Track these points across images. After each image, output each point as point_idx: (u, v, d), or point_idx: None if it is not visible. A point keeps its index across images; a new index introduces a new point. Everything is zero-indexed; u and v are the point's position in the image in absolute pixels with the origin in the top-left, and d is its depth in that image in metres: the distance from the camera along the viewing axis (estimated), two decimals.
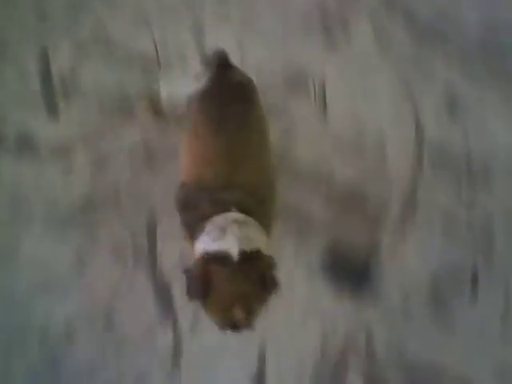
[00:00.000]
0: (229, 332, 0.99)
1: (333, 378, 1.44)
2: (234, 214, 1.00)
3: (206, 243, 1.01)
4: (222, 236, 0.97)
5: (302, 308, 1.51)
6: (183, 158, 1.19)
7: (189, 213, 1.10)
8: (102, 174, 1.62)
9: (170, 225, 1.52)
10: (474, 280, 1.54)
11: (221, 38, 1.68)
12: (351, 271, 1.52)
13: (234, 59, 1.31)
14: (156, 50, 1.71)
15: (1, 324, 1.47)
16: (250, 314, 0.95)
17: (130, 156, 1.64)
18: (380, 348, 1.46)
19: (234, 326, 0.96)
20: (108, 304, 1.49)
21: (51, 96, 1.69)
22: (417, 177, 1.65)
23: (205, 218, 1.04)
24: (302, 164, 1.62)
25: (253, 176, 1.07)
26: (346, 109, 1.69)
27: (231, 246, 0.95)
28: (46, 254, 1.54)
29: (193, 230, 1.05)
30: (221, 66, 1.21)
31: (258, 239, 1.00)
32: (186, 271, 0.97)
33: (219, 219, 1.00)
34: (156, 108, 1.58)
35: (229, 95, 1.17)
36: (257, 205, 1.04)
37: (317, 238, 1.56)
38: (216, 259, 0.95)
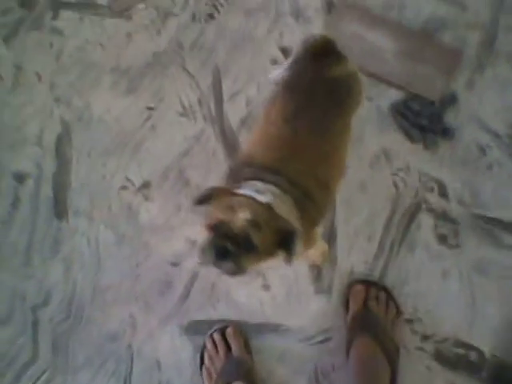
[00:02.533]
0: (206, 259, 0.89)
1: (404, 218, 1.48)
2: (274, 188, 0.94)
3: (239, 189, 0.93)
4: (255, 194, 0.90)
5: (373, 155, 1.52)
6: (252, 133, 1.15)
7: (230, 183, 1.05)
8: (165, 31, 1.66)
9: (235, 82, 1.55)
10: None
11: None
12: (425, 113, 1.44)
13: None
14: None
15: (82, 187, 1.57)
16: (252, 230, 0.85)
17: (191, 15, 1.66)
18: (453, 194, 1.49)
19: (222, 242, 0.86)
20: (179, 162, 1.56)
21: None
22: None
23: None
24: None
25: (304, 177, 1.01)
26: None
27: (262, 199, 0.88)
28: (116, 112, 1.62)
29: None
30: (316, 55, 1.10)
31: (290, 217, 0.92)
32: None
33: (259, 184, 0.95)
34: None
35: (319, 91, 1.07)
36: (299, 197, 0.97)
37: (386, 82, 1.55)
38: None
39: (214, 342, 1.37)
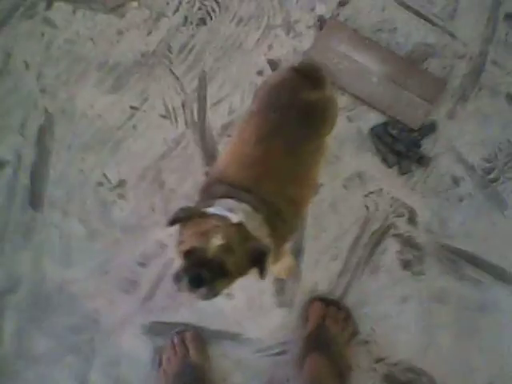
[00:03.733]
0: (181, 286, 0.93)
1: (371, 240, 1.54)
2: (246, 206, 0.97)
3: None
4: (227, 212, 0.93)
5: (348, 175, 1.58)
6: (225, 149, 1.20)
7: (202, 199, 1.10)
8: (156, 32, 1.70)
9: (220, 89, 1.60)
10: None
11: None
12: (404, 139, 1.49)
13: None
14: None
15: (59, 179, 1.63)
16: (225, 254, 0.88)
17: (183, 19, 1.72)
18: (422, 222, 1.54)
19: (196, 270, 0.89)
20: (157, 163, 1.62)
21: None
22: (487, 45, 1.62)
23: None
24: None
25: (276, 196, 1.04)
26: None
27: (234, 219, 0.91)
28: (99, 108, 1.67)
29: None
30: (304, 72, 1.15)
31: (261, 234, 0.96)
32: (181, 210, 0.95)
33: (231, 202, 0.98)
34: None
35: (296, 110, 1.10)
36: (270, 215, 1.01)
37: (368, 105, 1.61)
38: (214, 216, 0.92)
39: (173, 345, 1.41)
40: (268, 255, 0.93)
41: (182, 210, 0.97)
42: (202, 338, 1.46)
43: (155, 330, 1.45)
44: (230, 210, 0.97)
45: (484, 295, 1.40)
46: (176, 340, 1.43)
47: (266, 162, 1.09)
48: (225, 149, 1.20)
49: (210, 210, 0.98)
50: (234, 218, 0.95)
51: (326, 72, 1.19)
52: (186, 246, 0.92)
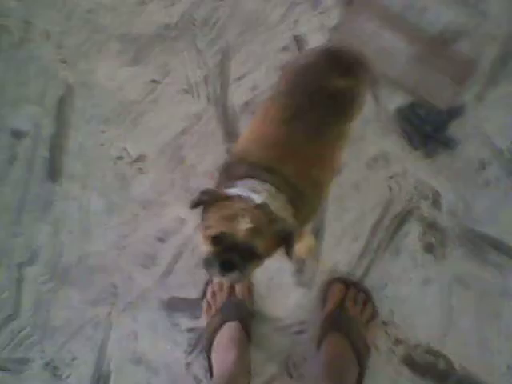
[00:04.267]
0: (212, 271, 0.92)
1: (393, 222, 1.52)
2: (269, 187, 0.96)
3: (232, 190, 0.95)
4: (251, 193, 0.92)
5: (372, 156, 1.55)
6: (247, 127, 1.16)
7: (224, 179, 1.08)
8: (179, 3, 1.68)
9: (243, 64, 1.57)
10: None
11: None
12: (431, 121, 1.46)
13: None
14: None
15: (79, 151, 1.62)
16: (254, 238, 0.87)
17: None
18: (446, 205, 1.52)
19: (227, 255, 0.89)
20: (178, 139, 1.61)
21: None
22: None
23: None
24: None
25: (299, 177, 1.02)
26: None
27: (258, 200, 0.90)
28: (120, 80, 1.65)
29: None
30: (336, 57, 1.13)
31: (285, 215, 0.95)
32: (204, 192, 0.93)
33: (253, 182, 0.96)
34: None
35: (323, 95, 1.08)
36: (293, 196, 0.99)
37: (396, 85, 1.57)
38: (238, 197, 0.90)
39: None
40: (294, 235, 0.93)
41: (204, 193, 0.95)
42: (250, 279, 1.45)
43: (173, 305, 1.46)
44: (253, 191, 0.96)
45: (506, 280, 1.40)
46: None
47: (289, 144, 1.07)
48: (247, 127, 1.17)
49: (233, 191, 0.97)
50: (258, 198, 0.94)
51: (359, 58, 1.18)
52: (213, 232, 0.91)
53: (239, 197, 0.94)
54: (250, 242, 0.89)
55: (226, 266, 0.88)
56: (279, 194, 1.00)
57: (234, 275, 0.90)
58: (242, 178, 1.01)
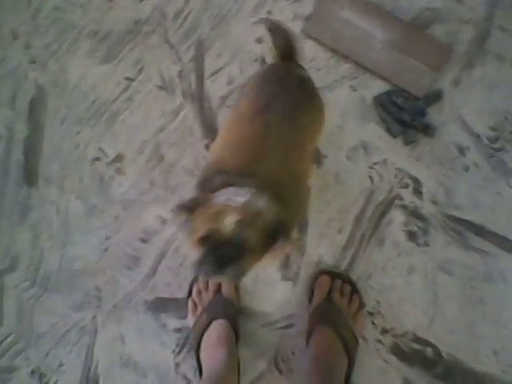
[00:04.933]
0: (206, 271, 0.90)
1: (376, 212, 1.52)
2: (249, 189, 0.92)
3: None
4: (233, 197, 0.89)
5: (352, 146, 1.54)
6: (217, 138, 1.14)
7: (201, 192, 1.04)
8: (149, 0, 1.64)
9: (218, 58, 1.55)
10: None
11: None
12: (408, 108, 1.45)
13: None
14: None
15: (54, 154, 1.58)
16: (243, 230, 0.86)
17: None
18: (427, 192, 1.52)
19: (219, 251, 0.88)
20: (155, 137, 1.58)
21: None
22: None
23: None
24: None
25: (279, 174, 1.00)
26: None
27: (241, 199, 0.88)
28: (93, 79, 1.62)
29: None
30: (286, 55, 1.17)
31: (271, 211, 0.94)
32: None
33: (232, 190, 0.93)
34: None
35: (289, 84, 1.10)
36: (276, 194, 0.95)
37: (372, 73, 1.57)
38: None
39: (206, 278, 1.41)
40: (284, 224, 0.92)
41: (191, 199, 0.94)
42: None
43: (158, 306, 1.45)
44: (233, 196, 0.93)
45: (490, 266, 1.41)
46: None
47: (265, 136, 1.05)
48: (218, 137, 1.16)
49: (215, 199, 0.93)
50: (240, 199, 0.91)
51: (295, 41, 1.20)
52: (200, 233, 0.90)
53: (222, 201, 0.92)
54: (240, 235, 0.88)
55: (221, 262, 0.87)
56: (261, 194, 0.96)
57: (231, 270, 0.89)
58: (219, 188, 0.97)
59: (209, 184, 1.02)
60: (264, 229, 0.91)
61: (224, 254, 0.89)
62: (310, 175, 1.19)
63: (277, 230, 0.92)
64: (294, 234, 1.39)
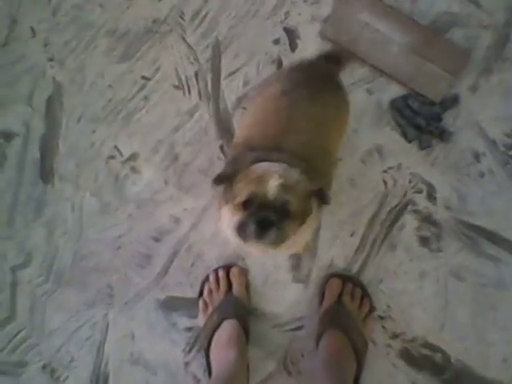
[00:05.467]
0: (247, 235, 0.92)
1: (389, 216, 1.52)
2: (281, 164, 0.95)
3: None
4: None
5: (366, 150, 1.54)
6: (244, 116, 1.16)
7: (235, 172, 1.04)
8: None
9: (235, 59, 1.57)
10: None
11: None
12: (424, 113, 1.45)
13: None
14: None
15: (70, 152, 1.61)
16: (286, 194, 0.89)
17: None
18: (441, 198, 1.53)
19: (262, 213, 0.89)
20: (171, 136, 1.60)
21: None
22: None
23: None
24: None
25: (306, 144, 1.03)
26: None
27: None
28: (110, 77, 1.64)
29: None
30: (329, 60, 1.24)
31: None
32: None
33: (264, 165, 0.95)
34: None
35: (317, 69, 1.17)
36: (306, 168, 0.98)
37: (389, 77, 1.58)
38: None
39: (216, 277, 1.46)
40: (324, 191, 0.95)
41: (227, 166, 0.97)
42: (247, 275, 1.49)
43: (169, 304, 1.46)
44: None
45: (502, 272, 1.41)
46: (221, 273, 1.46)
47: (290, 113, 1.08)
48: (244, 117, 1.20)
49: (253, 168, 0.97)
50: (278, 168, 0.95)
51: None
52: (242, 197, 0.92)
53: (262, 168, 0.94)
54: (283, 198, 0.90)
55: (263, 225, 0.88)
56: (292, 169, 0.98)
57: (272, 234, 0.89)
58: (251, 165, 0.99)
59: (240, 161, 1.03)
60: (304, 194, 0.95)
61: (266, 217, 0.90)
62: (337, 150, 1.25)
63: (319, 193, 0.96)
64: (307, 235, 1.40)
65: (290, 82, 1.11)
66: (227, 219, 0.98)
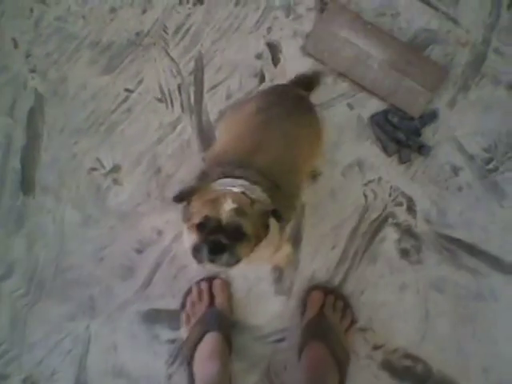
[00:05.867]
0: (200, 257, 0.93)
1: (369, 229, 1.55)
2: (243, 181, 0.98)
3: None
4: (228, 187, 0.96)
5: (347, 163, 1.58)
6: (219, 132, 1.23)
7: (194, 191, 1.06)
8: (151, 11, 1.67)
9: (217, 72, 1.60)
10: None
11: None
12: (404, 127, 1.48)
13: None
14: None
15: (51, 163, 1.60)
16: (239, 217, 0.90)
17: None
18: (420, 211, 1.56)
19: (214, 237, 0.91)
20: (153, 148, 1.61)
21: None
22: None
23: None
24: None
25: (274, 166, 1.05)
26: None
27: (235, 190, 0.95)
28: (92, 89, 1.64)
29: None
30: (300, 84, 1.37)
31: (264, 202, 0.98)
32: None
33: (227, 181, 0.98)
34: None
35: (290, 94, 1.23)
36: (269, 187, 1.02)
37: (369, 92, 1.62)
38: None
39: (199, 290, 1.46)
40: (279, 211, 0.97)
41: (186, 187, 0.99)
42: (229, 288, 1.49)
43: (152, 316, 1.47)
44: (228, 186, 0.99)
45: (481, 284, 1.44)
46: (204, 286, 1.46)
47: (264, 130, 1.13)
48: (219, 133, 1.26)
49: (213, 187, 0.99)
50: (235, 189, 0.97)
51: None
52: (197, 218, 0.93)
53: (219, 189, 0.97)
54: (235, 222, 0.91)
55: (215, 249, 0.89)
56: (253, 186, 1.02)
57: (224, 258, 0.90)
58: (216, 179, 1.02)
59: (208, 175, 1.07)
60: (258, 217, 0.96)
61: (219, 241, 0.91)
62: (305, 173, 1.27)
63: (272, 213, 0.97)
64: (288, 248, 1.42)
65: (265, 101, 1.16)
66: (186, 238, 0.97)
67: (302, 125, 1.18)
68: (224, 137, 1.20)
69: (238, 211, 0.89)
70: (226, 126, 1.25)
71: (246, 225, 0.90)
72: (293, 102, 1.19)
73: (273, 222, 0.99)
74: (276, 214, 0.97)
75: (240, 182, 1.00)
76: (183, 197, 0.98)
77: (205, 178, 1.08)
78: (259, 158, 1.07)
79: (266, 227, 0.98)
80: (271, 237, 1.01)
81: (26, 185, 1.55)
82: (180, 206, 0.98)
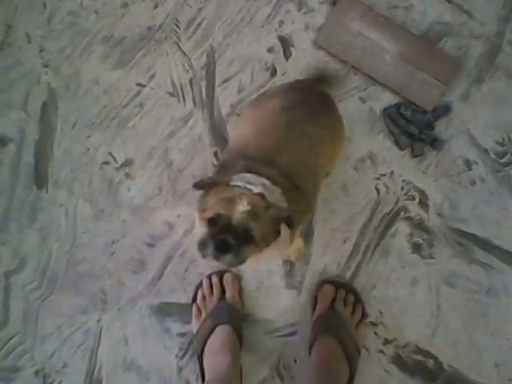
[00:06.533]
0: (206, 253, 0.94)
1: (381, 223, 1.55)
2: (264, 180, 0.99)
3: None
4: (247, 185, 0.96)
5: (359, 157, 1.58)
6: (240, 124, 1.24)
7: (220, 174, 1.09)
8: (163, 5, 1.69)
9: (229, 66, 1.60)
10: None
11: None
12: (417, 121, 1.48)
13: None
14: None
15: (64, 157, 1.63)
16: (250, 220, 0.90)
17: None
18: (433, 205, 1.56)
19: (221, 236, 0.91)
20: (165, 143, 1.62)
21: None
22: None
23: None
24: None
25: (296, 166, 1.07)
26: None
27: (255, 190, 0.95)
28: (105, 84, 1.66)
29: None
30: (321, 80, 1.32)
31: (281, 205, 0.99)
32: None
33: (249, 176, 0.99)
34: None
35: (313, 92, 1.22)
36: (289, 189, 1.02)
37: (382, 85, 1.61)
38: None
39: (210, 283, 1.48)
40: (292, 218, 0.97)
41: (207, 177, 1.00)
42: (240, 281, 1.51)
43: (163, 310, 1.48)
44: (249, 184, 0.99)
45: (493, 280, 1.44)
46: (214, 279, 1.48)
47: (287, 130, 1.13)
48: (240, 125, 1.25)
49: (232, 182, 1.00)
50: (255, 189, 0.97)
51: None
52: (210, 213, 0.94)
53: (238, 186, 0.98)
54: (245, 224, 0.92)
55: (221, 248, 0.89)
56: (274, 187, 1.03)
57: (228, 258, 0.91)
58: (238, 172, 1.03)
59: (229, 166, 1.08)
60: (270, 222, 0.97)
61: (226, 240, 0.92)
62: (324, 174, 1.29)
63: (286, 220, 0.98)
64: (300, 242, 1.42)
65: (289, 100, 1.15)
66: (197, 228, 0.99)
67: (327, 127, 1.19)
68: (245, 130, 1.19)
69: (251, 214, 0.90)
70: (247, 119, 1.25)
71: (255, 228, 0.90)
72: (317, 101, 1.20)
73: (284, 227, 0.99)
74: (289, 221, 0.97)
75: (262, 180, 1.01)
76: (203, 186, 1.00)
77: (224, 171, 1.09)
78: (282, 156, 1.08)
79: (277, 232, 0.99)
80: (281, 241, 1.01)
81: (39, 179, 1.56)
82: (196, 195, 0.98)
